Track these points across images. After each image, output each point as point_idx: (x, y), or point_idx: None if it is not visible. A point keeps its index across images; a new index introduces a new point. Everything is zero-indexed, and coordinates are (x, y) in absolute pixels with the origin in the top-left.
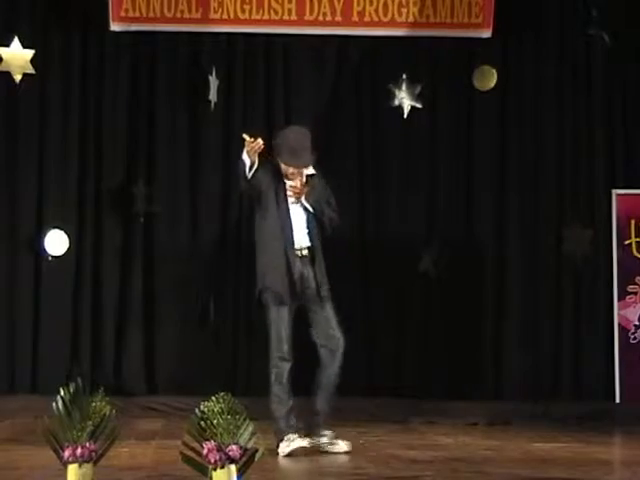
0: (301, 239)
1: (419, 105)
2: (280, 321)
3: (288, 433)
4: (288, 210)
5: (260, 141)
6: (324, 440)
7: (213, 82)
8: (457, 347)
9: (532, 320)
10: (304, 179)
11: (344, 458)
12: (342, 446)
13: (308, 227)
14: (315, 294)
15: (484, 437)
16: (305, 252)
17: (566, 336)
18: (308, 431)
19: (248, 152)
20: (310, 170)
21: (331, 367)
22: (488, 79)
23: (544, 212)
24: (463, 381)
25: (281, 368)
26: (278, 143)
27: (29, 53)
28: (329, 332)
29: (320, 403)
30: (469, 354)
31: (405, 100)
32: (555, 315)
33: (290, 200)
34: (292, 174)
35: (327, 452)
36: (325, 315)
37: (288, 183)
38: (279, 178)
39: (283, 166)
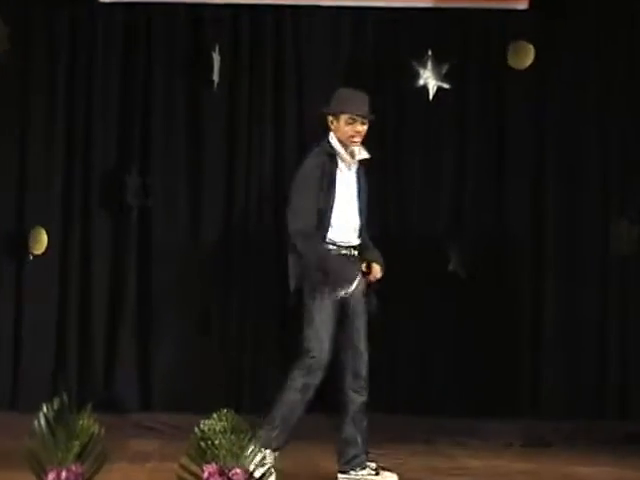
0: (347, 234)
1: (446, 85)
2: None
3: (269, 448)
4: (333, 198)
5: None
6: (367, 472)
7: (216, 60)
8: (489, 358)
9: (574, 327)
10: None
11: None
12: (390, 476)
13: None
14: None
15: (519, 460)
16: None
17: (612, 345)
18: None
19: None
20: (364, 154)
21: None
22: (524, 56)
23: (586, 205)
24: (496, 397)
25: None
26: (336, 100)
27: (5, 29)
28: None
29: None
30: (503, 366)
31: (430, 80)
32: (600, 321)
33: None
34: (354, 135)
35: None
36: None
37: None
38: (328, 168)
39: (344, 128)
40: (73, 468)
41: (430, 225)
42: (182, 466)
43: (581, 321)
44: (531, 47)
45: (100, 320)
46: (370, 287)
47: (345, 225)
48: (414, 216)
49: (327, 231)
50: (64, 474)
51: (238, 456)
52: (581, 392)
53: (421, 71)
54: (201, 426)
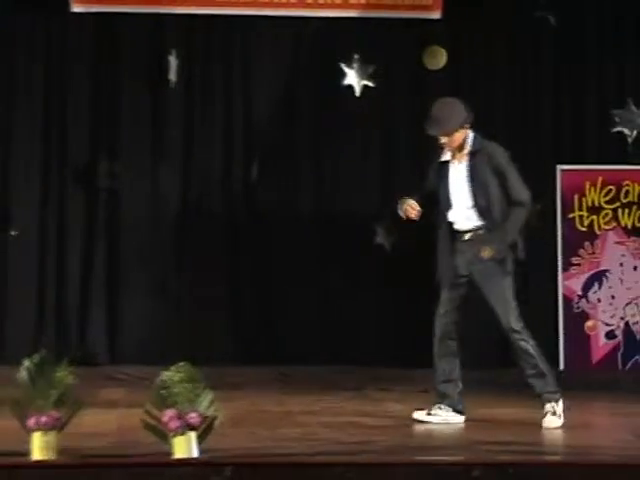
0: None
1: (371, 84)
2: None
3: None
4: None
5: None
6: None
7: (173, 62)
8: (409, 317)
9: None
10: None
11: (295, 425)
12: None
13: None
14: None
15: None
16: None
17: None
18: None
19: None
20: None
21: None
22: (438, 58)
23: None
24: (414, 350)
25: None
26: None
27: None
28: None
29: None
30: (421, 324)
31: (357, 79)
32: None
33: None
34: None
35: None
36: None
37: None
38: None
39: None
40: (52, 413)
41: (360, 204)
42: (147, 411)
43: None
44: (444, 51)
45: (74, 287)
46: None
47: None
48: (346, 196)
49: None
50: (44, 419)
51: (193, 402)
52: (488, 345)
53: (349, 71)
54: (162, 377)
